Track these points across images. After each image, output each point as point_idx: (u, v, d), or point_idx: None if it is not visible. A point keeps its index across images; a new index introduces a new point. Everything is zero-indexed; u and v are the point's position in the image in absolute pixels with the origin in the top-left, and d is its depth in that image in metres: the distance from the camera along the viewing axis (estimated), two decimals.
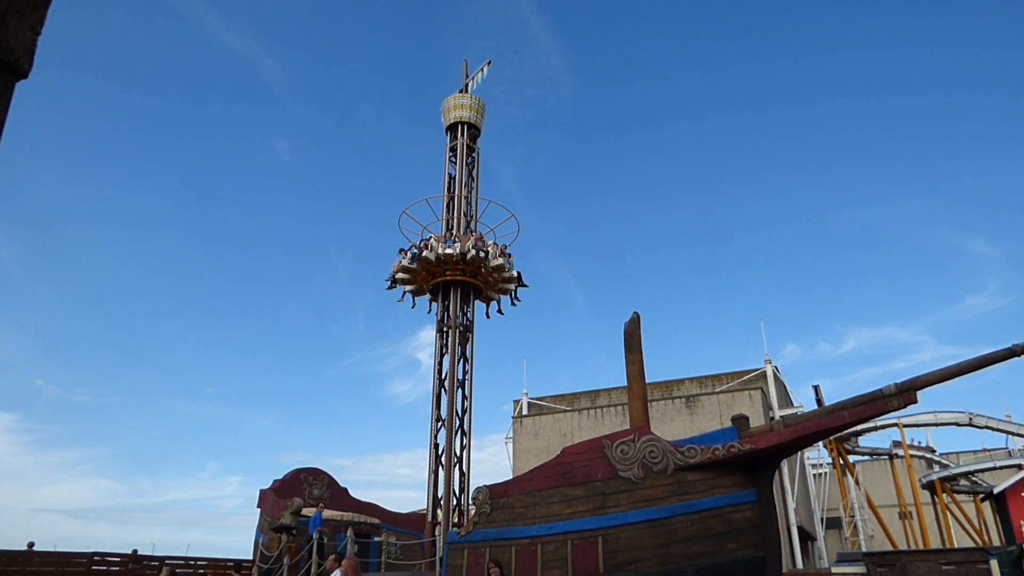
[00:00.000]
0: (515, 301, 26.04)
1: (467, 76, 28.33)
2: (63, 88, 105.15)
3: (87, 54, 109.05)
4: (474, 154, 27.21)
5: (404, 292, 25.66)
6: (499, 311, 26.08)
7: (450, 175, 26.89)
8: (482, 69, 28.34)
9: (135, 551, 22.64)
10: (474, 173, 26.92)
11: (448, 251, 24.11)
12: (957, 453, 55.68)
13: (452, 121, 27.09)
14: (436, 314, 25.06)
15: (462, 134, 26.89)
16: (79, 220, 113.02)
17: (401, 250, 25.29)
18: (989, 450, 51.38)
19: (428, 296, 25.51)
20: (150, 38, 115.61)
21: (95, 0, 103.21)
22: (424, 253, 24.34)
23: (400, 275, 25.22)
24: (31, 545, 21.33)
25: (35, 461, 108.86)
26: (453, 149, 27.03)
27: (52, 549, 22.57)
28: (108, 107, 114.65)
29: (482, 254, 24.29)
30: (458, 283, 24.62)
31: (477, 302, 25.71)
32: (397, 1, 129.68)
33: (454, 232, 25.30)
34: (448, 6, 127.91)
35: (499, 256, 24.72)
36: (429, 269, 24.69)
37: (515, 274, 25.54)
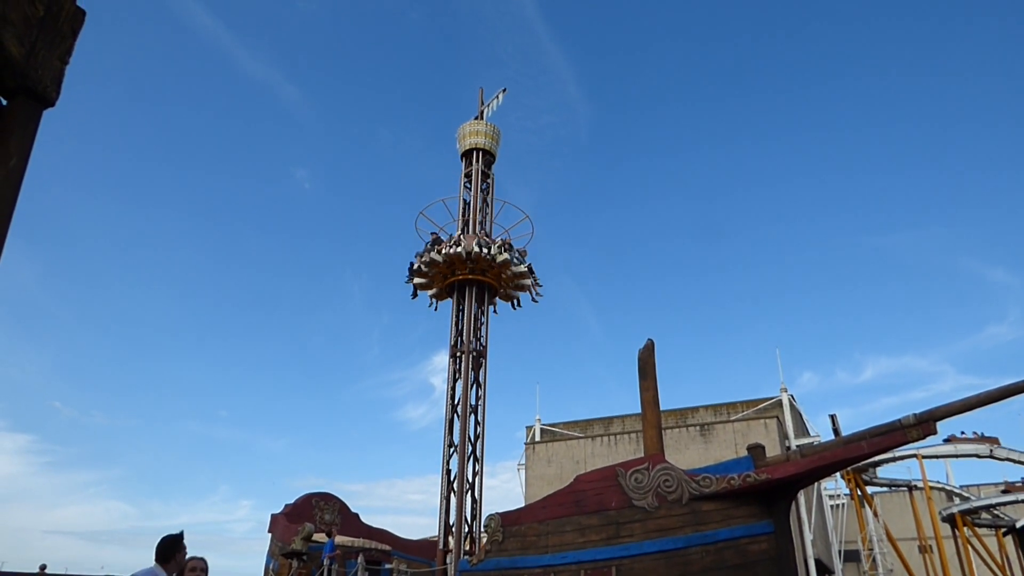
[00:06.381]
0: (536, 298, 26.35)
1: (482, 103, 28.60)
2: (87, 110, 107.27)
3: (111, 77, 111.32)
4: (489, 180, 27.37)
5: (429, 297, 26.13)
6: (519, 305, 26.36)
7: (465, 201, 27.06)
8: (497, 96, 28.61)
9: None
10: (488, 199, 27.06)
11: (451, 251, 24.49)
12: (978, 485, 54.53)
13: (467, 147, 27.30)
14: (451, 319, 25.24)
15: (477, 160, 27.07)
16: (100, 241, 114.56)
17: (417, 254, 25.81)
18: (1011, 483, 50.27)
19: (449, 299, 25.91)
20: (173, 63, 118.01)
21: (119, 24, 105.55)
22: (431, 255, 24.80)
23: (418, 280, 25.78)
24: (43, 567, 21.34)
25: (49, 483, 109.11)
26: (468, 175, 27.19)
27: (64, 572, 22.55)
28: (130, 129, 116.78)
29: (485, 250, 24.39)
30: (472, 282, 25.04)
31: (494, 321, 25.74)
32: (415, 28, 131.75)
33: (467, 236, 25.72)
34: (465, 34, 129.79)
35: (504, 251, 24.82)
36: (442, 271, 25.16)
37: (525, 268, 25.57)
